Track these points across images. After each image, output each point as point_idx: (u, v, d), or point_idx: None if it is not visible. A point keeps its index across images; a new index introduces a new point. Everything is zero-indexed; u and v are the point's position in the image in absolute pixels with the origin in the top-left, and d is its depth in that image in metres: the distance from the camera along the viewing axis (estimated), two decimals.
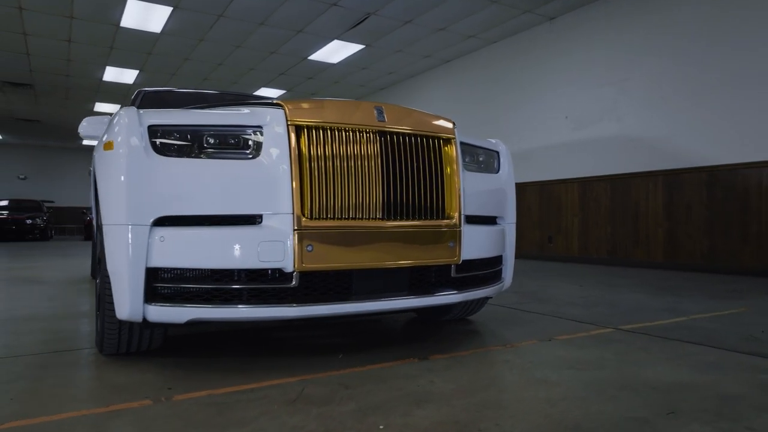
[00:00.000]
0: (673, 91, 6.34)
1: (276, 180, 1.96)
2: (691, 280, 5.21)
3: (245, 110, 2.07)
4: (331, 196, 2.03)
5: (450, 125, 2.36)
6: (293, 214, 1.95)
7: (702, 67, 6.06)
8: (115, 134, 1.94)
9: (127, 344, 2.18)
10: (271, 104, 2.05)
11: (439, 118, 2.36)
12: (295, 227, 1.95)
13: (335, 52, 9.28)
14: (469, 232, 2.37)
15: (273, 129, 1.99)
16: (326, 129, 2.05)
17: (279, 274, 1.98)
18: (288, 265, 1.94)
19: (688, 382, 1.90)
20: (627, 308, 3.54)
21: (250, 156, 1.99)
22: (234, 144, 1.99)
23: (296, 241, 1.94)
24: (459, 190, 2.32)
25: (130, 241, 1.86)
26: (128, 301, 1.89)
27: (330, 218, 2.02)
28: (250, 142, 2.00)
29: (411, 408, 1.63)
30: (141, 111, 1.96)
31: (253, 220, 1.96)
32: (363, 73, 10.61)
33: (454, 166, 2.32)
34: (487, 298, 2.96)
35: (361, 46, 8.98)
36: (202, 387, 1.84)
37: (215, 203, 1.93)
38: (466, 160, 2.53)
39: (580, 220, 7.40)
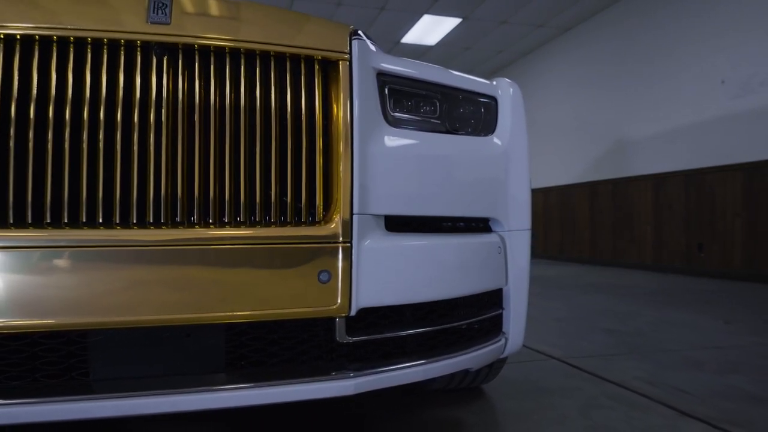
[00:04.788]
0: None
1: None
2: None
3: None
4: (28, 179, 0.98)
5: (339, 34, 1.17)
6: None
7: None
8: None
9: None
10: None
11: (316, 20, 1.18)
12: None
13: (430, 30, 8.14)
14: (385, 249, 1.15)
15: None
16: (29, 41, 1.01)
17: None
18: None
19: None
20: None
21: None
22: None
23: None
24: (350, 164, 1.13)
25: None
26: None
27: (19, 225, 0.98)
28: None
29: None
30: None
31: None
32: (468, 55, 9.30)
33: (341, 116, 1.13)
34: (505, 357, 1.68)
35: (457, 20, 7.72)
36: None
37: None
38: (405, 108, 1.31)
39: (744, 222, 5.37)
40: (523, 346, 2.52)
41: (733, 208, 5.49)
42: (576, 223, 7.96)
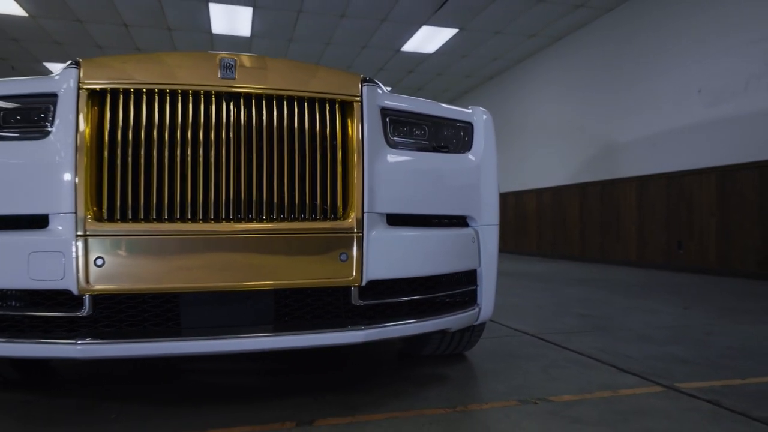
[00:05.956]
0: None
1: (61, 167, 1.41)
2: None
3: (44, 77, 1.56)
4: (141, 188, 1.43)
5: (353, 83, 1.61)
6: (75, 213, 1.39)
7: None
8: None
9: None
10: (71, 64, 1.51)
11: (337, 73, 1.63)
12: (79, 232, 1.38)
13: (428, 39, 8.58)
14: (387, 238, 1.59)
15: (66, 96, 1.45)
16: (140, 93, 1.45)
17: (70, 298, 1.43)
18: (71, 284, 1.38)
19: None
20: (723, 350, 2.39)
21: (38, 135, 1.46)
22: (19, 120, 1.48)
23: (80, 252, 1.37)
24: (361, 176, 1.57)
25: None
26: None
27: (135, 220, 1.42)
28: (40, 117, 1.48)
29: None
30: None
31: (38, 222, 1.44)
32: (465, 62, 9.74)
33: (354, 142, 1.57)
34: (481, 326, 2.12)
35: (454, 30, 8.16)
36: None
37: None
38: (401, 133, 1.75)
39: (718, 221, 5.81)
40: (503, 326, 2.96)
41: (708, 208, 5.93)
42: (567, 222, 8.40)
